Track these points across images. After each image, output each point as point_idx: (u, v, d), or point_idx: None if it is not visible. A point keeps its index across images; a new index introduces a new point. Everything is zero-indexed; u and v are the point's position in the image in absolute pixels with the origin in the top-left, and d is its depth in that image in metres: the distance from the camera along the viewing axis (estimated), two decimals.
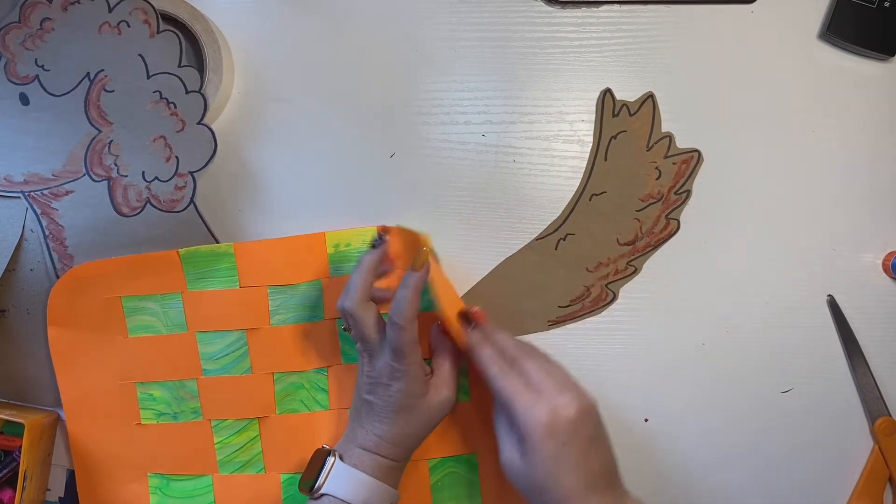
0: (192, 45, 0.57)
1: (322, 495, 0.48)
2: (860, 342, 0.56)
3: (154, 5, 0.54)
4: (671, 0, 0.56)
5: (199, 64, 0.56)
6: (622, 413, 0.56)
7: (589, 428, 0.44)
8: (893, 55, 0.56)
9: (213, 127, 0.57)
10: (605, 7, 0.57)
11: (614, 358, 0.56)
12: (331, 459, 0.48)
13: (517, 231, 0.57)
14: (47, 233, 0.55)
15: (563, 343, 0.56)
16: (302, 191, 0.57)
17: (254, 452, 0.56)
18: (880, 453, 0.55)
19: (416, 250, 0.49)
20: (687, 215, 0.56)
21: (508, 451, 0.46)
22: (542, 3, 0.57)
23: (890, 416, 0.55)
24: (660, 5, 0.57)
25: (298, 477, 0.55)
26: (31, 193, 0.55)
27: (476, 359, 0.48)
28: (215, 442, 0.56)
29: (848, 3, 0.55)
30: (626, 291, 0.56)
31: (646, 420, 0.56)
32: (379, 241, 0.52)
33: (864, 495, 0.55)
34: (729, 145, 0.56)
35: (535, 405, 0.44)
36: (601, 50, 0.57)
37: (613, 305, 0.56)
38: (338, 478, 0.48)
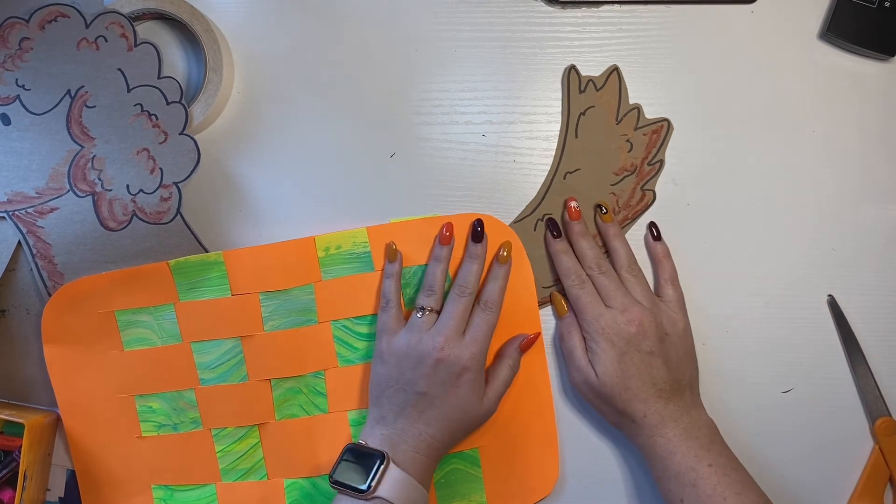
0: (192, 46, 0.57)
1: (374, 497, 0.47)
2: (860, 342, 0.56)
3: (155, 10, 0.54)
4: (671, 0, 0.57)
5: (200, 64, 0.56)
6: None
7: (648, 343, 0.51)
8: (893, 55, 0.56)
9: (213, 127, 0.57)
10: (605, 7, 0.57)
11: None
12: (382, 463, 0.47)
13: None
14: (35, 251, 0.55)
15: (552, 323, 0.56)
16: (300, 192, 0.57)
17: (255, 459, 0.56)
18: (880, 453, 0.55)
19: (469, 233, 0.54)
20: (687, 222, 0.56)
21: (583, 365, 0.52)
22: (542, 4, 0.57)
23: (890, 416, 0.55)
24: (660, 5, 0.57)
25: (301, 482, 0.55)
26: (16, 213, 0.55)
27: (557, 267, 0.55)
28: (217, 451, 0.55)
29: (848, 3, 0.55)
30: None
31: None
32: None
33: (865, 495, 0.55)
34: (729, 145, 0.56)
35: (600, 317, 0.51)
36: (601, 50, 0.57)
37: None
38: (392, 483, 0.47)
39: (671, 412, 0.50)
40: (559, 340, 0.55)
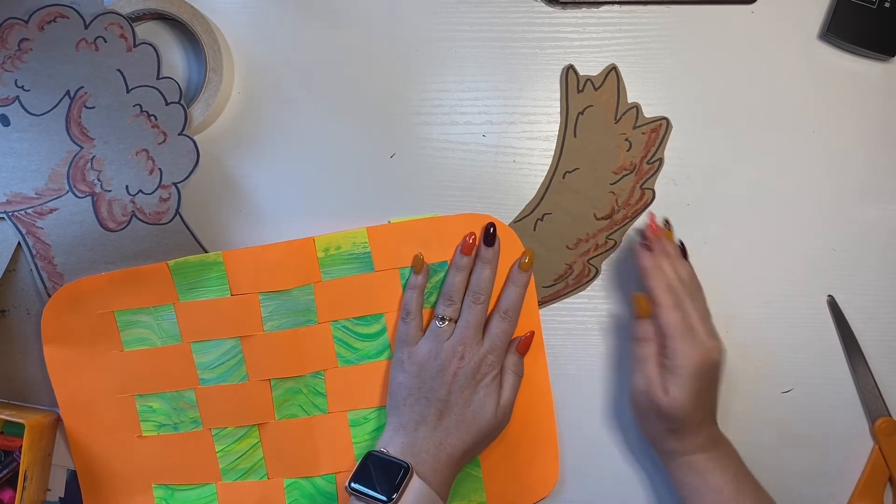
0: (192, 46, 0.57)
1: None
2: (860, 342, 0.56)
3: (155, 10, 0.54)
4: (671, 0, 0.57)
5: (200, 64, 0.56)
6: (618, 410, 0.56)
7: (720, 371, 0.51)
8: (893, 55, 0.56)
9: (213, 127, 0.57)
10: (605, 7, 0.57)
11: (610, 348, 0.56)
12: (407, 474, 0.47)
13: None
14: (34, 252, 0.55)
15: (553, 323, 0.56)
16: (300, 193, 0.57)
17: (255, 459, 0.56)
18: (880, 453, 0.55)
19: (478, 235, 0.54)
20: (687, 222, 0.56)
21: (654, 377, 0.51)
22: (542, 4, 0.57)
23: (890, 416, 0.55)
24: (660, 6, 0.57)
25: (301, 482, 0.55)
26: (15, 213, 0.55)
27: (649, 283, 0.52)
28: (217, 450, 0.55)
29: (848, 3, 0.55)
30: (609, 265, 0.57)
31: None
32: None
33: (865, 495, 0.55)
34: (729, 145, 0.56)
35: (693, 348, 0.50)
36: (601, 50, 0.57)
37: (596, 281, 0.56)
38: (415, 495, 0.47)
39: (717, 434, 0.52)
40: (630, 340, 0.54)
